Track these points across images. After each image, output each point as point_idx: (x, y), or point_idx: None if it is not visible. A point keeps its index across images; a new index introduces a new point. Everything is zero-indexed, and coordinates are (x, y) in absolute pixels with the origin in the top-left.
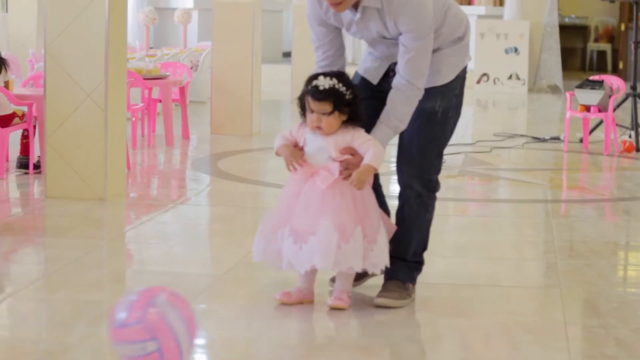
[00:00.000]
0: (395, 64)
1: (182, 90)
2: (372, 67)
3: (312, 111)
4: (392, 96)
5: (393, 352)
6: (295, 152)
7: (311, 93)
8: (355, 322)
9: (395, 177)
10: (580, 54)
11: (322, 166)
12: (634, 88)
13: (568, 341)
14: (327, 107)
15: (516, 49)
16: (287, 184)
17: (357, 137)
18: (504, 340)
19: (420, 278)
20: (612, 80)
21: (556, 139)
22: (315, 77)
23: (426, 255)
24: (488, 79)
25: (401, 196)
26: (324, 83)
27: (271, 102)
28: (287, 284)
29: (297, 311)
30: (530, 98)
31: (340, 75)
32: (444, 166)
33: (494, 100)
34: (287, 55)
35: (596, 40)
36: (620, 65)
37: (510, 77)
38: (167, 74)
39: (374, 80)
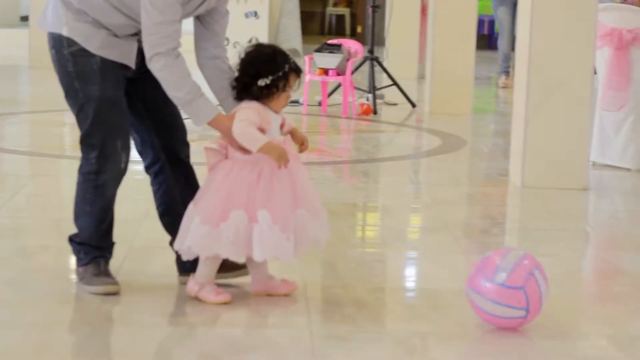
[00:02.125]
0: None
1: None
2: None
3: (287, 89)
4: (223, 68)
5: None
6: (285, 152)
7: (296, 70)
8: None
9: None
10: (320, 18)
11: (282, 142)
12: (371, 52)
13: (308, 302)
14: None
15: (256, 13)
16: (233, 167)
17: None
18: (244, 304)
19: None
20: (350, 44)
21: (295, 102)
22: (279, 54)
23: None
24: (228, 42)
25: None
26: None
27: (7, 67)
28: (26, 251)
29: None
30: None
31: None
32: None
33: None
34: (24, 19)
35: (335, 5)
36: (359, 29)
37: (250, 41)
38: None
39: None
